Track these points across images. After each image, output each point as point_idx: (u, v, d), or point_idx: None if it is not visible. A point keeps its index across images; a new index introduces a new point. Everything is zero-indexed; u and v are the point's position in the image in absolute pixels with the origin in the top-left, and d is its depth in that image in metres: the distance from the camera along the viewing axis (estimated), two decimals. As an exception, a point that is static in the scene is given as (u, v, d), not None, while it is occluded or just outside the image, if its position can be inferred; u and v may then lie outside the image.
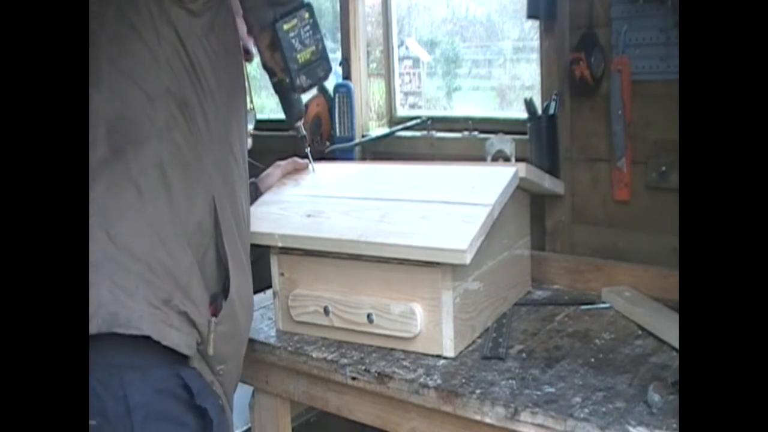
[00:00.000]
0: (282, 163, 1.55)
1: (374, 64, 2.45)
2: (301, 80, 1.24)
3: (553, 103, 1.78)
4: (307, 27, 1.22)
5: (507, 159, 1.80)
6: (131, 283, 1.03)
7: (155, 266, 1.06)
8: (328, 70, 1.27)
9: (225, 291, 1.14)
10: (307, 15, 1.22)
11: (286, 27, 1.21)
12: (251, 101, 1.31)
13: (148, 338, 1.02)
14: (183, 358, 1.07)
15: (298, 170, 1.54)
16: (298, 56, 1.22)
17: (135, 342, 1.02)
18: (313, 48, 1.23)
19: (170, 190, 1.10)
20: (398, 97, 2.42)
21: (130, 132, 1.09)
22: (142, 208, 1.07)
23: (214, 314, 1.12)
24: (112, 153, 1.08)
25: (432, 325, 1.23)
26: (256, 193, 1.49)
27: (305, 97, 2.32)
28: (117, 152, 1.08)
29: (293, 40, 1.21)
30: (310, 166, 1.52)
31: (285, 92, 1.37)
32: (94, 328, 0.99)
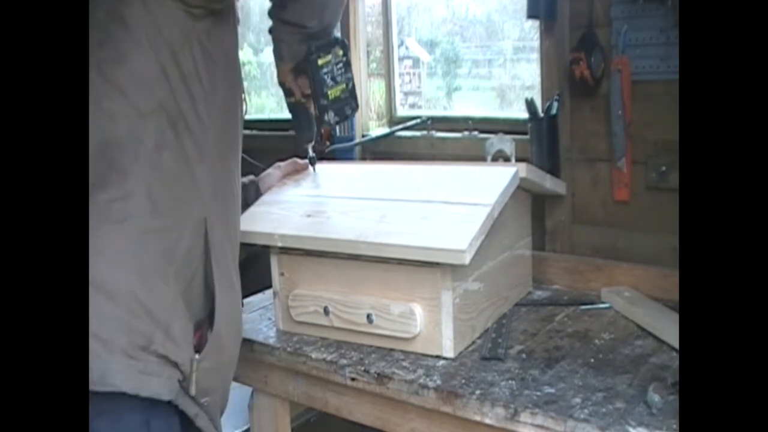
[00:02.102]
0: (282, 163, 1.55)
1: (374, 64, 2.45)
2: (329, 116, 1.26)
3: (555, 104, 1.78)
4: (340, 64, 1.24)
5: (507, 159, 1.80)
6: (108, 332, 0.97)
7: (134, 307, 0.99)
8: (355, 108, 1.29)
9: (211, 315, 1.10)
10: (341, 52, 1.23)
11: (320, 62, 1.22)
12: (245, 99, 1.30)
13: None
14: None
15: (299, 171, 1.54)
16: (329, 92, 1.24)
17: (109, 394, 0.97)
18: (343, 86, 1.25)
19: (158, 220, 1.04)
20: (398, 97, 2.42)
21: (115, 158, 1.02)
22: (123, 243, 1.01)
23: (198, 348, 1.07)
24: (94, 182, 1.00)
25: (432, 325, 1.23)
26: (256, 194, 1.48)
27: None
28: (100, 182, 1.01)
29: (326, 76, 1.22)
30: (310, 168, 1.52)
31: (300, 113, 1.37)
32: None
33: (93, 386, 0.94)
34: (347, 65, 1.25)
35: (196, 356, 1.05)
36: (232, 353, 1.17)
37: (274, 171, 1.53)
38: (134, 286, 1.00)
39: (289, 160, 1.55)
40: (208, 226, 1.09)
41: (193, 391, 1.05)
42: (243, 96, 1.24)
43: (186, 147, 1.07)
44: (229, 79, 1.17)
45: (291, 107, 1.38)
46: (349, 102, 1.26)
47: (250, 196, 1.49)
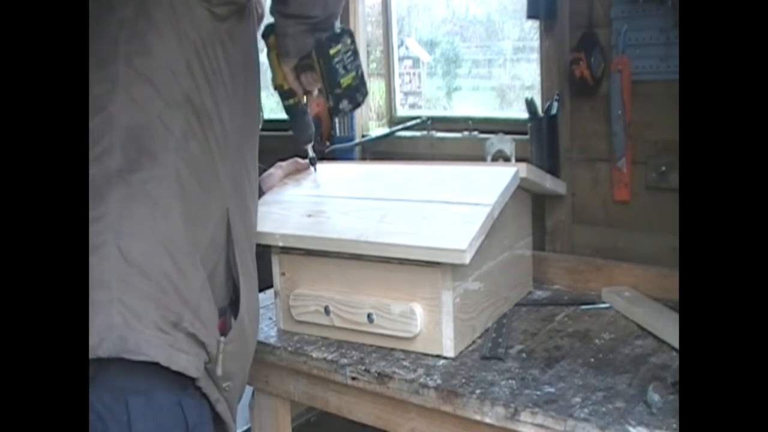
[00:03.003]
0: (284, 163, 1.55)
1: (374, 64, 2.45)
2: (344, 105, 1.26)
3: (555, 104, 1.78)
4: (349, 53, 1.24)
5: (507, 159, 1.80)
6: (141, 305, 1.01)
7: (166, 286, 1.03)
8: (365, 94, 1.29)
9: (233, 305, 1.13)
10: (349, 41, 1.24)
11: (332, 52, 1.22)
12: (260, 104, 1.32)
13: (156, 363, 1.00)
14: (189, 380, 1.05)
15: (300, 170, 1.54)
16: (342, 81, 1.24)
17: (143, 366, 0.99)
18: (354, 73, 1.25)
19: (186, 205, 1.07)
20: (398, 97, 2.42)
21: (146, 142, 1.06)
22: (156, 225, 1.04)
23: (223, 332, 1.10)
24: (127, 164, 1.05)
25: (432, 325, 1.23)
26: (258, 193, 1.49)
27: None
28: (133, 164, 1.05)
29: (338, 65, 1.23)
30: (311, 168, 1.52)
31: (298, 114, 1.38)
32: (104, 351, 0.97)
33: (129, 355, 0.98)
34: (356, 53, 1.26)
35: (222, 339, 1.08)
36: (252, 341, 1.20)
37: (275, 171, 1.53)
38: (166, 265, 1.04)
39: (290, 160, 1.56)
40: (230, 218, 1.13)
41: (219, 371, 1.08)
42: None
43: (210, 141, 1.11)
44: (249, 78, 1.20)
45: (289, 110, 1.38)
46: (360, 89, 1.27)
47: None
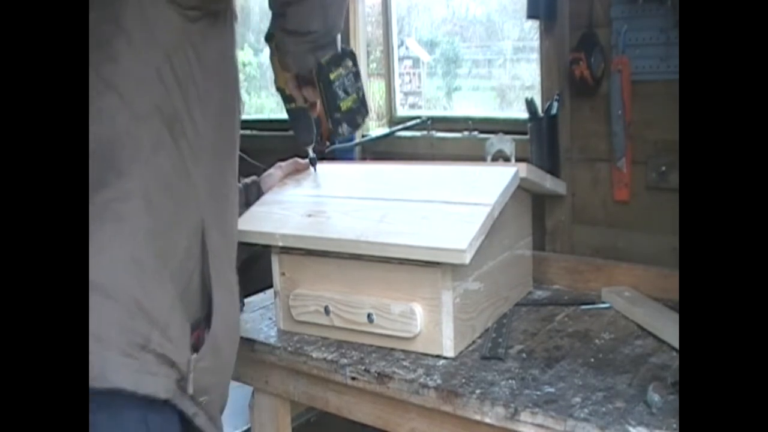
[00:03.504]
0: (283, 164, 1.55)
1: (374, 64, 2.45)
2: (343, 128, 1.26)
3: (555, 104, 1.78)
4: (351, 75, 1.24)
5: (507, 159, 1.80)
6: (106, 330, 0.97)
7: (132, 308, 0.99)
8: (366, 114, 1.29)
9: (208, 317, 1.09)
10: (351, 63, 1.23)
11: (332, 76, 1.22)
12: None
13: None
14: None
15: (300, 171, 1.54)
16: (342, 104, 1.24)
17: (108, 391, 0.96)
18: (355, 96, 1.25)
19: (155, 221, 1.03)
20: (398, 97, 2.42)
21: (113, 158, 1.01)
22: (122, 245, 1.00)
23: (196, 348, 1.06)
24: (92, 182, 0.98)
25: (432, 325, 1.23)
26: (258, 193, 1.49)
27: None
28: (98, 182, 0.99)
29: (338, 89, 1.23)
30: (311, 168, 1.52)
31: (300, 117, 1.37)
32: None
33: (93, 383, 0.94)
34: (357, 75, 1.25)
35: (194, 356, 1.05)
36: (229, 353, 1.16)
37: (275, 171, 1.53)
38: (132, 286, 1.00)
39: (290, 160, 1.55)
40: (205, 227, 1.09)
41: (190, 390, 1.05)
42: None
43: (182, 149, 1.06)
44: (225, 81, 1.15)
45: (291, 112, 1.37)
46: (360, 110, 1.27)
47: (252, 195, 1.49)
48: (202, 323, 1.10)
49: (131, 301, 0.99)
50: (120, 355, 0.97)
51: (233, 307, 1.17)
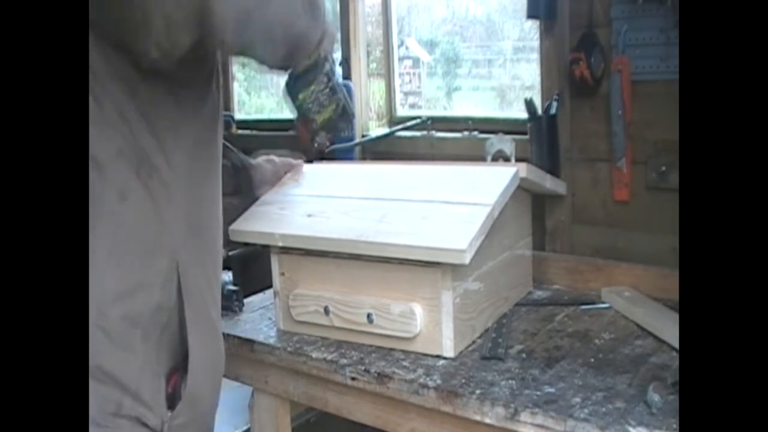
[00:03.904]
0: (276, 159, 1.50)
1: (374, 64, 2.45)
2: (321, 138, 1.22)
3: (554, 104, 1.78)
4: (326, 90, 1.18)
5: (507, 159, 1.80)
6: None
7: (100, 376, 0.94)
8: (349, 120, 1.25)
9: (186, 358, 1.03)
10: (326, 80, 1.17)
11: (301, 96, 1.17)
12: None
13: None
14: None
15: (293, 170, 1.50)
16: (318, 117, 1.19)
17: None
18: (333, 106, 1.20)
19: (121, 282, 0.95)
20: (398, 97, 2.42)
21: None
22: (87, 314, 0.91)
23: (172, 401, 1.01)
24: None
25: (432, 325, 1.23)
26: (247, 182, 1.44)
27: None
28: None
29: (310, 105, 1.17)
30: (305, 166, 1.48)
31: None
32: None
33: None
34: (333, 89, 1.19)
35: (169, 413, 1.00)
36: (209, 400, 1.10)
37: (266, 164, 1.47)
38: (99, 354, 0.94)
39: (282, 159, 1.50)
40: (180, 270, 1.01)
41: None
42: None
43: (153, 190, 0.98)
44: (203, 107, 1.05)
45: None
46: (342, 117, 1.22)
47: (243, 181, 1.43)
48: (179, 367, 1.04)
49: (99, 371, 0.94)
50: (92, 427, 0.92)
51: (213, 345, 1.10)
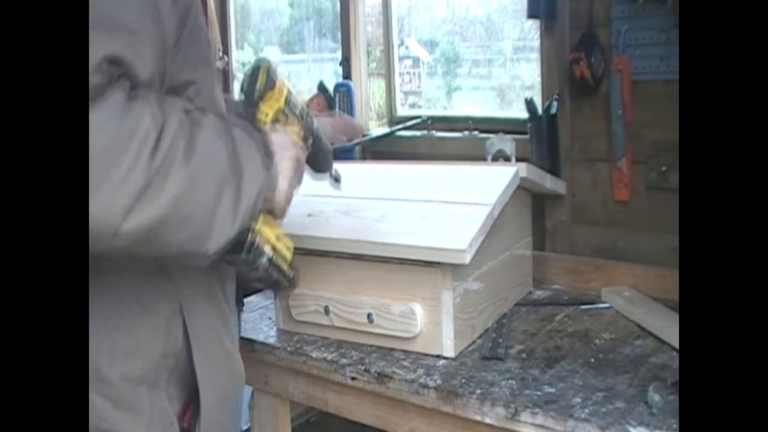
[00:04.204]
0: (330, 120, 1.39)
1: (374, 64, 2.45)
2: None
3: (554, 103, 1.78)
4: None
5: (507, 158, 1.80)
6: None
7: None
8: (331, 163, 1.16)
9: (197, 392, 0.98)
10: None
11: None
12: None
13: None
14: None
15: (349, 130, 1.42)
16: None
17: None
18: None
19: (118, 335, 0.89)
20: (398, 96, 2.42)
21: None
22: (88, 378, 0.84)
23: (188, 429, 0.96)
24: None
25: (432, 325, 1.23)
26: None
27: (306, 97, 2.34)
28: None
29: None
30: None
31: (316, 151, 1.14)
32: None
33: None
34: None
35: None
36: (227, 429, 1.04)
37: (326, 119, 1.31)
38: (104, 421, 0.89)
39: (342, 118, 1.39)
40: (185, 310, 0.94)
41: None
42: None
43: None
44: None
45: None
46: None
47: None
48: (193, 399, 0.98)
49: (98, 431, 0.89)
50: None
51: (228, 376, 1.04)
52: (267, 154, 0.91)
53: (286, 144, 0.97)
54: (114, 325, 0.89)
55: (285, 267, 1.00)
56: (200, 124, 0.83)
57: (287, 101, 1.00)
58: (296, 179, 0.99)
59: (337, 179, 1.22)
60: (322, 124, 1.24)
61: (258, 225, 0.94)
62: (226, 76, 2.48)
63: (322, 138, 1.11)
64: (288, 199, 0.98)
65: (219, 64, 1.09)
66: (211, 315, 1.00)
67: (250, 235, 0.92)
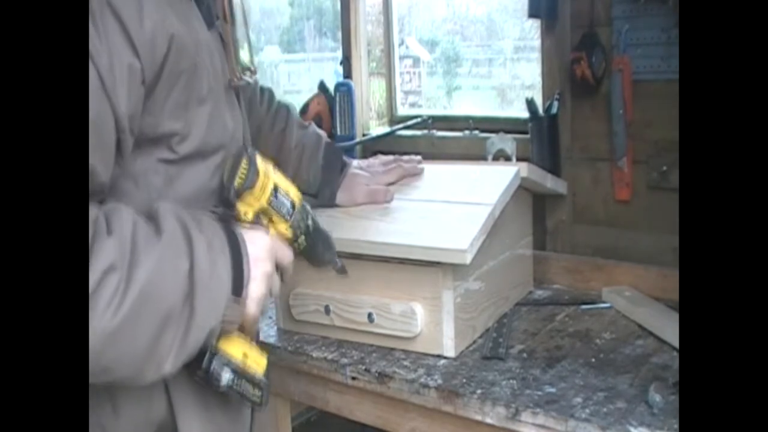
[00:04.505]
0: (386, 158, 1.39)
1: (375, 63, 2.45)
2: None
3: (555, 103, 1.78)
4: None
5: (508, 158, 1.80)
6: None
7: None
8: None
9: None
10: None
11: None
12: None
13: None
14: None
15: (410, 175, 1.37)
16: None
17: None
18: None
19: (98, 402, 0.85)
20: (399, 96, 2.42)
21: None
22: None
23: None
24: None
25: (432, 324, 1.23)
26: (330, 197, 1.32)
27: (306, 96, 2.34)
28: None
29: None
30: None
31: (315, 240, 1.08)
32: None
33: None
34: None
35: None
36: None
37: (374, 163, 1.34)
38: None
39: (394, 159, 1.35)
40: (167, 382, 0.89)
41: None
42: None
43: None
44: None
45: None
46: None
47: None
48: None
49: None
50: None
51: (222, 418, 0.97)
52: (237, 278, 0.84)
53: (260, 257, 0.88)
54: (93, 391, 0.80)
55: (250, 388, 0.91)
56: (138, 261, 0.75)
57: (272, 197, 0.92)
58: (269, 293, 0.91)
59: (341, 271, 1.15)
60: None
61: (219, 343, 0.86)
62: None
63: (321, 229, 1.05)
64: (256, 320, 0.91)
65: (242, 83, 0.99)
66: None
67: (207, 356, 0.85)
